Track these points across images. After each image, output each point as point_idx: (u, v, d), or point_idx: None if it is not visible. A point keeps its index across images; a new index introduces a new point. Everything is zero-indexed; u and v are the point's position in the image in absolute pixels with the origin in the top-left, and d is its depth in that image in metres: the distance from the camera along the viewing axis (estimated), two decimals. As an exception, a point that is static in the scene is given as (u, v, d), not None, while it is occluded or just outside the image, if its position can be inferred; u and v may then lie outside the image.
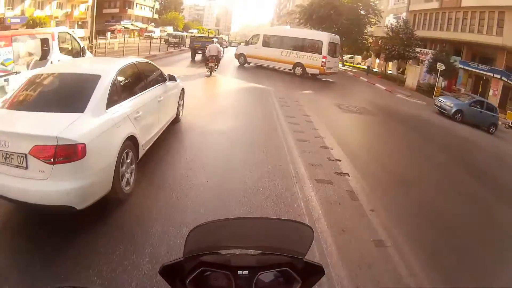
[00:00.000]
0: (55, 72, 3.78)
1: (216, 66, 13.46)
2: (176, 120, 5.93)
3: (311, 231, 0.89)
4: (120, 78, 3.73)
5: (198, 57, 19.71)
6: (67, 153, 2.64)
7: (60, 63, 5.70)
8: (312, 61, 16.62)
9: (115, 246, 2.71)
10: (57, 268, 2.43)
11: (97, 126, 2.98)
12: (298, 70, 17.15)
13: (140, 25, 54.70)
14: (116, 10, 52.11)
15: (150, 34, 38.45)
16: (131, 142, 3.46)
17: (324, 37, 16.79)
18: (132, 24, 53.49)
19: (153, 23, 56.81)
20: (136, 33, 43.56)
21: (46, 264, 2.45)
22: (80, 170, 2.72)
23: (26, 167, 2.65)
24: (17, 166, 2.66)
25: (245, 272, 0.85)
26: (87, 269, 2.44)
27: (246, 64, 18.95)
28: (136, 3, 55.12)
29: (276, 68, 17.90)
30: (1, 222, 3.02)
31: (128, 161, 3.41)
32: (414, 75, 22.37)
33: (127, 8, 52.83)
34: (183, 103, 6.41)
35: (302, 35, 17.77)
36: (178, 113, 5.99)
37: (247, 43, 19.30)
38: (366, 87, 19.71)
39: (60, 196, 2.67)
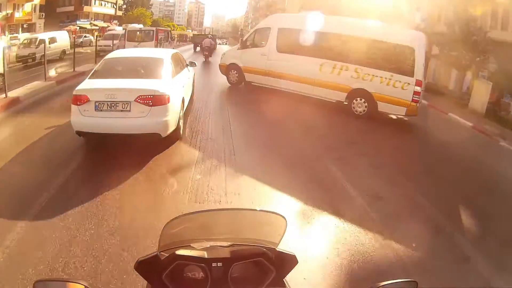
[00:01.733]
0: (128, 55, 6.08)
1: (210, 55, 18.31)
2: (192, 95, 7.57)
3: (284, 221, 0.92)
4: (172, 61, 5.47)
5: (198, 48, 24.83)
6: (159, 100, 4.38)
7: (126, 51, 8.76)
8: (391, 90, 7.68)
9: (177, 157, 4.61)
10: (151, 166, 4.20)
11: (172, 86, 4.87)
12: (360, 106, 8.10)
13: (101, 23, 45.52)
14: (71, 8, 43.44)
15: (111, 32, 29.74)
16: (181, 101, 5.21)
17: (417, 41, 7.64)
18: (90, 24, 44.32)
19: (116, 21, 47.86)
20: (96, 33, 37.88)
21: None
22: (165, 111, 4.46)
23: (129, 110, 4.30)
24: (122, 111, 4.30)
25: (219, 264, 0.88)
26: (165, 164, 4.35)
27: (242, 83, 10.05)
28: (95, -1, 45.67)
29: (306, 95, 8.81)
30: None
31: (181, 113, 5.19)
32: (484, 93, 13.30)
33: (83, 5, 43.96)
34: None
35: (371, 33, 8.09)
36: (193, 89, 7.95)
37: (243, 45, 10.03)
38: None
39: (154, 126, 4.41)
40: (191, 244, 0.90)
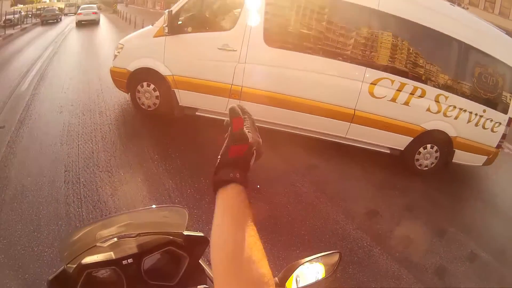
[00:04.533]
0: None
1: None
2: None
3: (183, 210, 0.88)
4: None
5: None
6: None
7: None
8: (479, 132, 4.21)
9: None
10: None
11: None
12: (428, 157, 4.30)
13: None
14: None
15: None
16: None
17: None
18: None
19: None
20: None
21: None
22: None
23: None
24: None
25: (130, 260, 0.84)
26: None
27: (175, 112, 4.39)
28: None
29: (327, 140, 4.22)
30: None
31: None
32: None
33: None
34: None
35: (466, 33, 3.95)
36: None
37: (172, 24, 4.04)
38: None
39: None
40: (96, 244, 0.82)
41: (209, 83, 4.05)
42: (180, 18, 4.24)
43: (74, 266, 0.82)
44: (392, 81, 3.89)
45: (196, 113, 4.28)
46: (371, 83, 3.89)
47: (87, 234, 0.83)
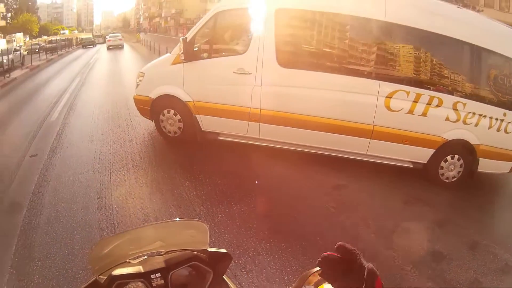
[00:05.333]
0: None
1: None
2: None
3: (203, 225, 0.92)
4: None
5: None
6: None
7: None
8: (501, 137, 4.09)
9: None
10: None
11: None
12: (453, 168, 4.19)
13: None
14: None
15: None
16: None
17: None
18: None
19: (-2, 32, 35.02)
20: None
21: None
22: None
23: None
24: None
25: (158, 274, 0.88)
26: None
27: (198, 137, 4.57)
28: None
29: (347, 158, 4.23)
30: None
31: None
32: None
33: None
34: None
35: (475, 35, 3.94)
36: None
37: (189, 51, 4.26)
38: None
39: None
40: (127, 260, 0.89)
41: (228, 107, 4.21)
42: (195, 45, 4.46)
43: (105, 277, 0.87)
44: (408, 93, 3.90)
45: (219, 138, 4.43)
46: (387, 97, 3.92)
47: (116, 248, 0.89)
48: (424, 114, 3.95)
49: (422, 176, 4.27)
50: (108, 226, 3.01)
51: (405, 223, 3.36)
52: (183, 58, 4.23)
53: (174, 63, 4.38)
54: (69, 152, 4.66)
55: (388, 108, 3.94)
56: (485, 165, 4.19)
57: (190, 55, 4.28)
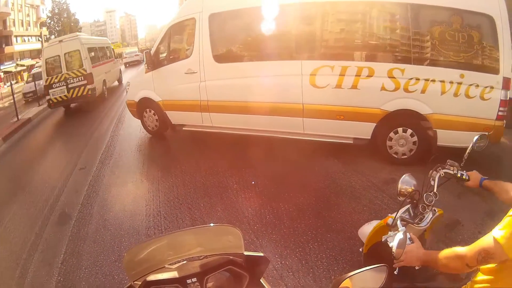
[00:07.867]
0: None
1: None
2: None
3: (237, 230, 0.90)
4: None
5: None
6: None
7: None
8: (462, 103, 3.42)
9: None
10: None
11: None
12: (403, 142, 3.76)
13: (29, 61, 38.31)
14: (-12, 52, 35.13)
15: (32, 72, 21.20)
16: None
17: (498, 4, 3.24)
18: (17, 65, 37.60)
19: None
20: (26, 73, 31.23)
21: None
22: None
23: None
24: None
25: (194, 279, 0.87)
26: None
27: (168, 129, 5.53)
28: (16, 36, 39.16)
29: (286, 137, 4.30)
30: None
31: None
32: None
33: (3, 46, 36.66)
34: None
35: None
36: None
37: (152, 61, 5.11)
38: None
39: None
40: (165, 266, 0.89)
41: (184, 102, 4.89)
42: (161, 55, 5.29)
43: (140, 283, 0.87)
44: (332, 67, 3.78)
45: (183, 128, 5.14)
46: (311, 74, 3.89)
47: (153, 253, 0.88)
48: (354, 87, 3.75)
49: (362, 153, 3.99)
50: (156, 232, 2.99)
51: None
52: (147, 67, 5.15)
53: (146, 72, 5.30)
54: (118, 163, 4.90)
55: (314, 85, 3.91)
56: (447, 138, 3.58)
57: (156, 63, 5.13)
